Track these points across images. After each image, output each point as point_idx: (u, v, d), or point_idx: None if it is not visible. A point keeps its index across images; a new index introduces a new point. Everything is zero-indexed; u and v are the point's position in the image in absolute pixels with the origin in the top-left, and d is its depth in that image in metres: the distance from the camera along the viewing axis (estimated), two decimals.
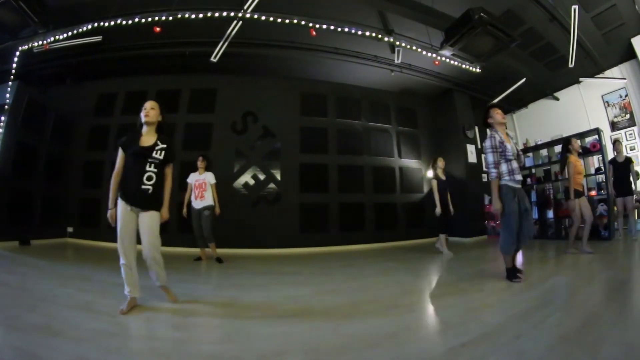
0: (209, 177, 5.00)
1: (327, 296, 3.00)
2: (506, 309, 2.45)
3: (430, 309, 2.57)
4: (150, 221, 2.50)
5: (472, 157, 8.01)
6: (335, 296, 2.98)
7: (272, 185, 6.86)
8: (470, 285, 3.04)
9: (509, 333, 1.92)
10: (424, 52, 6.24)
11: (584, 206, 4.75)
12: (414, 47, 6.20)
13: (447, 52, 5.53)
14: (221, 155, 6.76)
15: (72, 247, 6.30)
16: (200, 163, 5.04)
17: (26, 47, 5.83)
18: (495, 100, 8.46)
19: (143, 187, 2.48)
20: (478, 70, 6.41)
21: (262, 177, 6.84)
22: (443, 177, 5.65)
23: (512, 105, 9.09)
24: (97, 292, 2.77)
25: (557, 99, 8.46)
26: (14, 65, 6.10)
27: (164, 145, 2.61)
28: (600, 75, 7.39)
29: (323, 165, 7.13)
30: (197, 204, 4.92)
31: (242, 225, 6.50)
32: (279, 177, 6.90)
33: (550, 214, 7.33)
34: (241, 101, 7.09)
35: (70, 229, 6.86)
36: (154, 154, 2.55)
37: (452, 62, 6.18)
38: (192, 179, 5.04)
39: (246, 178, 6.79)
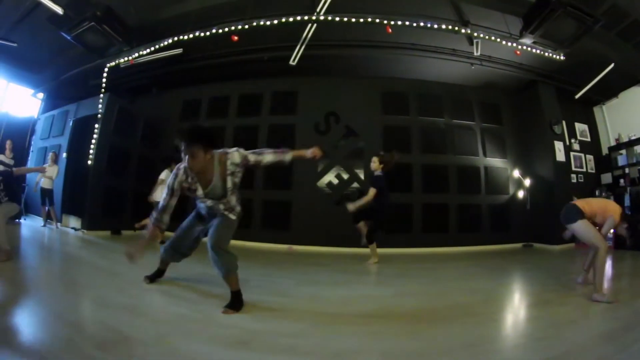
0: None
1: (406, 298, 2.94)
2: (591, 327, 2.28)
3: (510, 319, 2.41)
4: None
5: (560, 155, 7.28)
6: (414, 299, 2.93)
7: (355, 184, 6.79)
8: (555, 297, 2.80)
9: (593, 354, 1.76)
10: (503, 42, 5.91)
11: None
12: (492, 37, 5.91)
13: (527, 40, 5.29)
14: None
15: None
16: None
17: (113, 63, 6.38)
18: (582, 92, 7.53)
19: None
20: (562, 57, 5.88)
21: (345, 176, 6.81)
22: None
23: (601, 95, 8.04)
24: (182, 280, 3.04)
25: None
26: (104, 80, 6.68)
27: None
28: None
29: (407, 164, 6.86)
30: None
31: (324, 224, 6.52)
32: (362, 177, 6.80)
33: None
34: (323, 102, 7.13)
35: None
36: None
37: (533, 50, 5.82)
38: None
39: (330, 177, 6.79)
